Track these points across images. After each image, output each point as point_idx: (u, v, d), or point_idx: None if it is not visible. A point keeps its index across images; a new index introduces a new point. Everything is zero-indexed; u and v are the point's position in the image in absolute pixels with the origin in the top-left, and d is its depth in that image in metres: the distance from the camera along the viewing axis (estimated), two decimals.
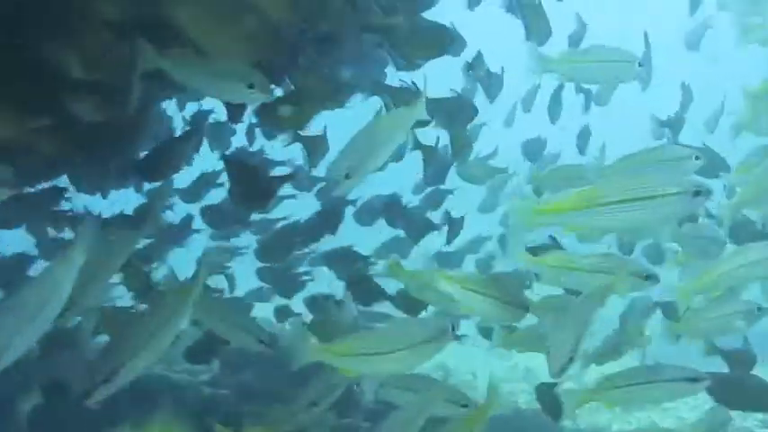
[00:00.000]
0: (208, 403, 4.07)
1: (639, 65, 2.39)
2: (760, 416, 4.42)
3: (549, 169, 2.98)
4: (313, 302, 3.48)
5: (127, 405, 2.92)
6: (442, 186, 4.24)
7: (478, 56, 3.71)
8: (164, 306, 1.72)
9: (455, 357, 5.39)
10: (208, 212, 3.75)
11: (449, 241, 4.19)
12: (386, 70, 3.50)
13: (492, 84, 3.91)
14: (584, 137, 4.53)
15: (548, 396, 2.68)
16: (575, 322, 1.81)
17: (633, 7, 16.33)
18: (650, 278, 2.06)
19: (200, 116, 3.53)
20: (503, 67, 3.97)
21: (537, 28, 3.53)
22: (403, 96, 2.89)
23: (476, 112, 3.36)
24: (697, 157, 2.22)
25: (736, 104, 3.45)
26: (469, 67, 3.70)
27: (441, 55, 2.92)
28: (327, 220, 3.57)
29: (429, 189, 4.36)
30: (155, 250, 3.70)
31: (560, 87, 4.04)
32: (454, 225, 4.10)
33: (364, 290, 3.30)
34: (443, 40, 2.89)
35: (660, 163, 2.25)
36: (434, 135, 3.50)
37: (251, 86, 1.92)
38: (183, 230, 3.94)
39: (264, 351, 2.38)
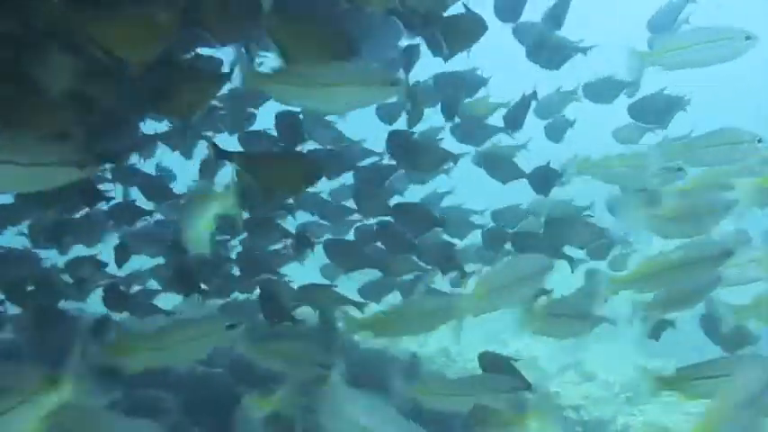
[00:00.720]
0: (201, 381, 3.92)
1: (747, 38, 2.19)
2: None
3: (598, 157, 2.76)
4: None
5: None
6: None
7: None
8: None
9: (456, 344, 5.25)
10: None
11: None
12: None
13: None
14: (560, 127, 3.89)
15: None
16: None
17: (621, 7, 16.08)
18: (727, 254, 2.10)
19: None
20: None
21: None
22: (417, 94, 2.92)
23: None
24: (759, 140, 2.09)
25: None
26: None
27: (475, 42, 2.80)
28: None
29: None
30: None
31: (532, 95, 3.48)
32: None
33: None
34: (480, 28, 2.76)
35: (723, 146, 2.15)
36: None
37: (394, 83, 1.84)
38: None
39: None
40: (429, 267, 3.45)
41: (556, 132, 3.70)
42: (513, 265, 2.06)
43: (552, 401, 4.66)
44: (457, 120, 3.51)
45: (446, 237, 3.69)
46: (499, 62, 3.69)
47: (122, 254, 3.56)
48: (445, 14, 2.70)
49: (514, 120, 3.48)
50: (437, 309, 2.12)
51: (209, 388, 3.85)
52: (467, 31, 2.74)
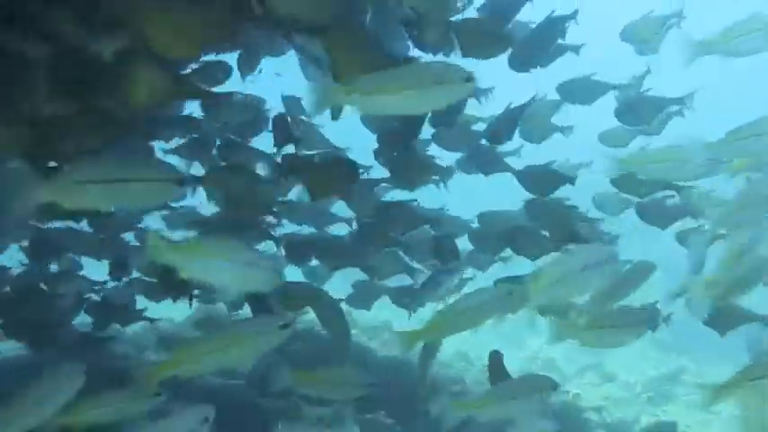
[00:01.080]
0: (217, 395, 3.89)
1: None
2: None
3: (639, 153, 2.66)
4: None
5: None
6: None
7: None
8: None
9: (475, 348, 5.22)
10: None
11: None
12: None
13: None
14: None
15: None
16: None
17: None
18: None
19: None
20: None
21: None
22: None
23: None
24: None
25: None
26: None
27: (503, 53, 2.71)
28: None
29: None
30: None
31: (521, 107, 3.19)
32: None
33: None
34: (507, 39, 2.67)
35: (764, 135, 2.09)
36: None
37: (468, 80, 1.74)
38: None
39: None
40: (418, 266, 3.39)
41: (533, 134, 3.43)
42: (576, 257, 1.94)
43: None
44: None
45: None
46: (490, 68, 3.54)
47: (118, 267, 3.51)
48: (463, 18, 2.59)
49: (500, 132, 3.25)
50: (495, 302, 2.02)
51: (229, 399, 3.82)
52: (489, 40, 2.63)
